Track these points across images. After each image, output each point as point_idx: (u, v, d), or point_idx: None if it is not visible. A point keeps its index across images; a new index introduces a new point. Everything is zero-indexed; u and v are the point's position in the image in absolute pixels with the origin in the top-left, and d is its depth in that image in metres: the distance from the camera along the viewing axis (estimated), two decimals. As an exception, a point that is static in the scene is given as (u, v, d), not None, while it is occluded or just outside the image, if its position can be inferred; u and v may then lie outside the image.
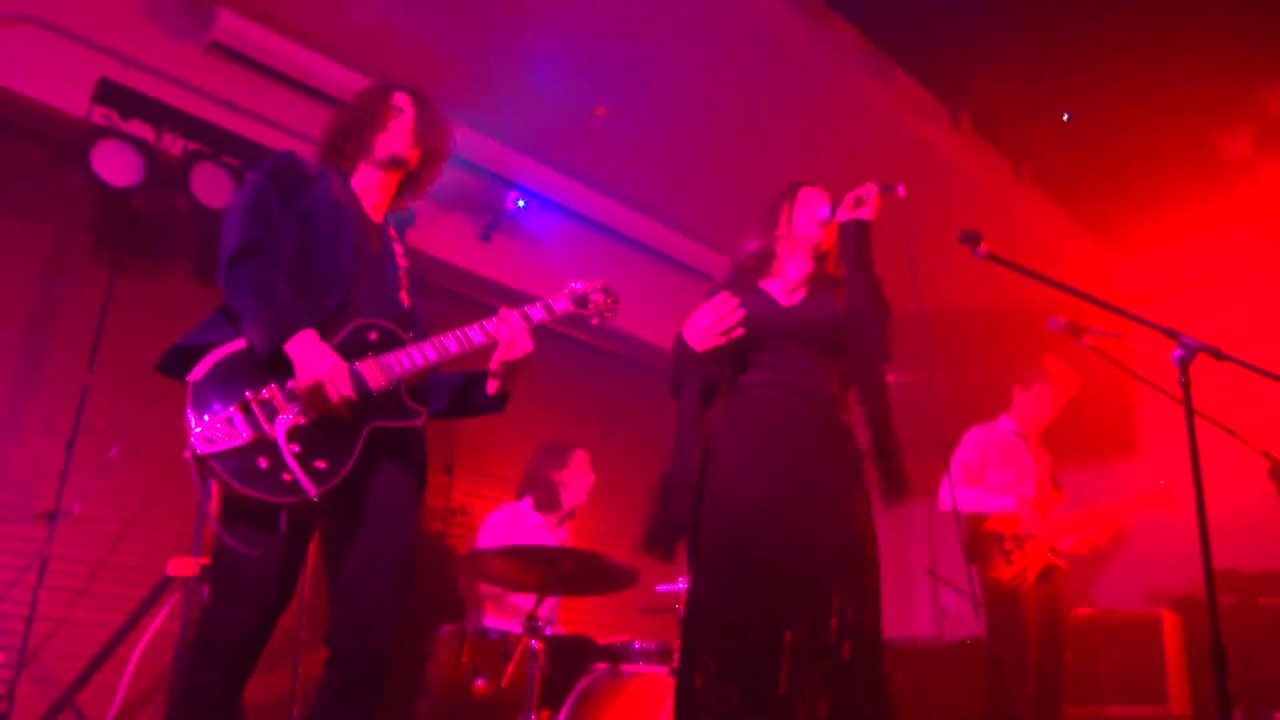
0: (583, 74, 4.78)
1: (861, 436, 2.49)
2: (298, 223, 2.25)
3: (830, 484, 2.40)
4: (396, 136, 2.47)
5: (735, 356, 2.56)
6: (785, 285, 2.68)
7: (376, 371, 2.20)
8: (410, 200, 2.59)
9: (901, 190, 2.51)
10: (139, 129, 4.02)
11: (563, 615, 4.63)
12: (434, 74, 4.72)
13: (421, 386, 2.41)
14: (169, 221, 4.31)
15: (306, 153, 2.51)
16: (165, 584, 3.59)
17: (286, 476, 2.01)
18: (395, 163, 2.48)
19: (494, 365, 2.40)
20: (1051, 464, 4.48)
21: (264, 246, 2.17)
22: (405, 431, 2.26)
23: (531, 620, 3.37)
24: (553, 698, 3.56)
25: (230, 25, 4.34)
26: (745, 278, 2.69)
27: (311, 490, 2.02)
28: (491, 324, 2.38)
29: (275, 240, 2.20)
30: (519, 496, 4.47)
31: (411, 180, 2.56)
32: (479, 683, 3.56)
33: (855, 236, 2.55)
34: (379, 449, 2.20)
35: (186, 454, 1.99)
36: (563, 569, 3.43)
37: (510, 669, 3.40)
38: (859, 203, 2.56)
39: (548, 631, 3.44)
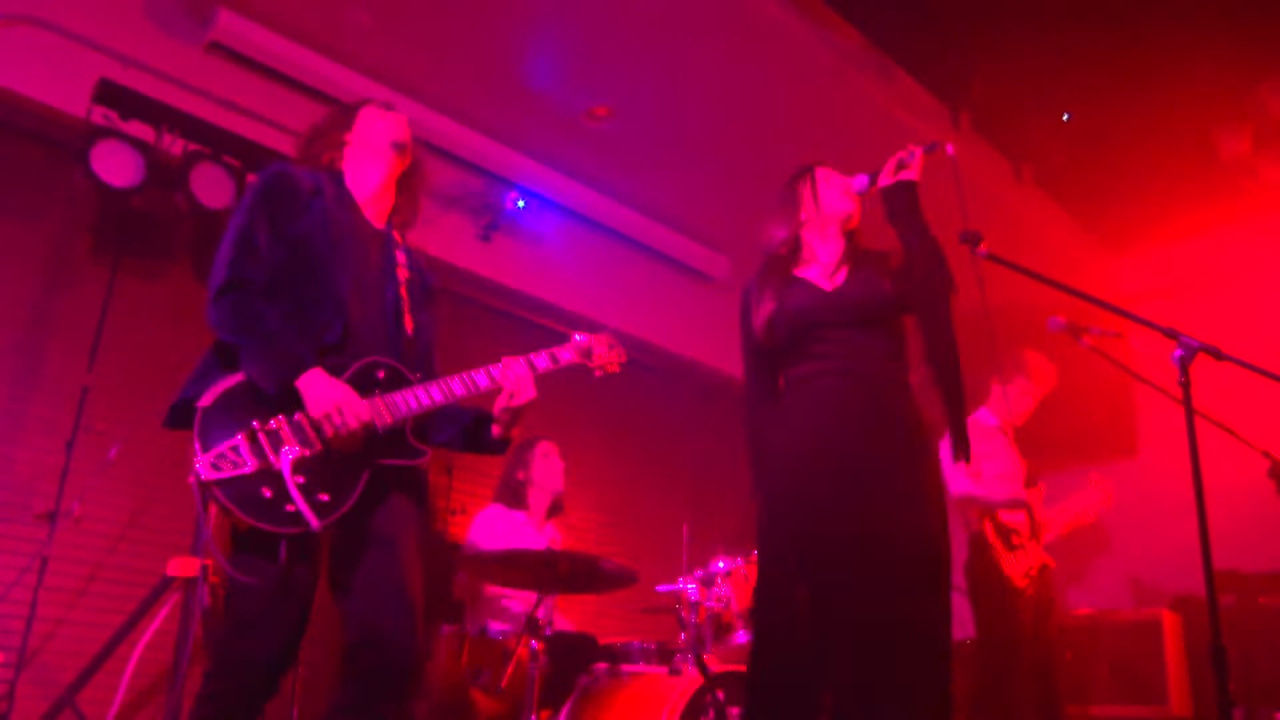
0: (583, 74, 4.78)
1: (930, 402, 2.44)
2: (292, 249, 2.25)
3: (898, 473, 2.34)
4: (396, 124, 2.50)
5: (786, 349, 2.50)
6: (823, 269, 2.58)
7: (383, 410, 2.22)
8: (407, 207, 2.58)
9: (951, 148, 2.47)
10: (139, 129, 4.01)
11: (562, 615, 4.63)
12: (434, 74, 4.73)
13: (429, 418, 2.41)
14: (169, 222, 4.31)
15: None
16: (165, 584, 3.59)
17: (290, 508, 2.03)
18: (398, 146, 2.48)
19: (497, 410, 2.43)
20: (1025, 461, 4.48)
21: (248, 281, 2.18)
22: (409, 469, 2.28)
23: (532, 620, 3.37)
24: (553, 698, 3.56)
25: (230, 25, 4.33)
26: (780, 268, 2.59)
27: (315, 522, 2.04)
28: (497, 370, 2.40)
29: (262, 273, 2.20)
30: (497, 500, 4.48)
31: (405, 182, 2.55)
32: (479, 682, 3.56)
33: (905, 198, 2.49)
34: (383, 484, 2.22)
35: (191, 479, 2.01)
36: (561, 570, 3.42)
37: (510, 669, 3.40)
38: (902, 166, 2.50)
39: (548, 631, 3.44)
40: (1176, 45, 4.50)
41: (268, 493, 2.03)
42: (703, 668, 3.38)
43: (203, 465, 2.00)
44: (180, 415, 2.11)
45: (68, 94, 4.00)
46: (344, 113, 2.55)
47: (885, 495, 2.30)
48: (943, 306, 2.42)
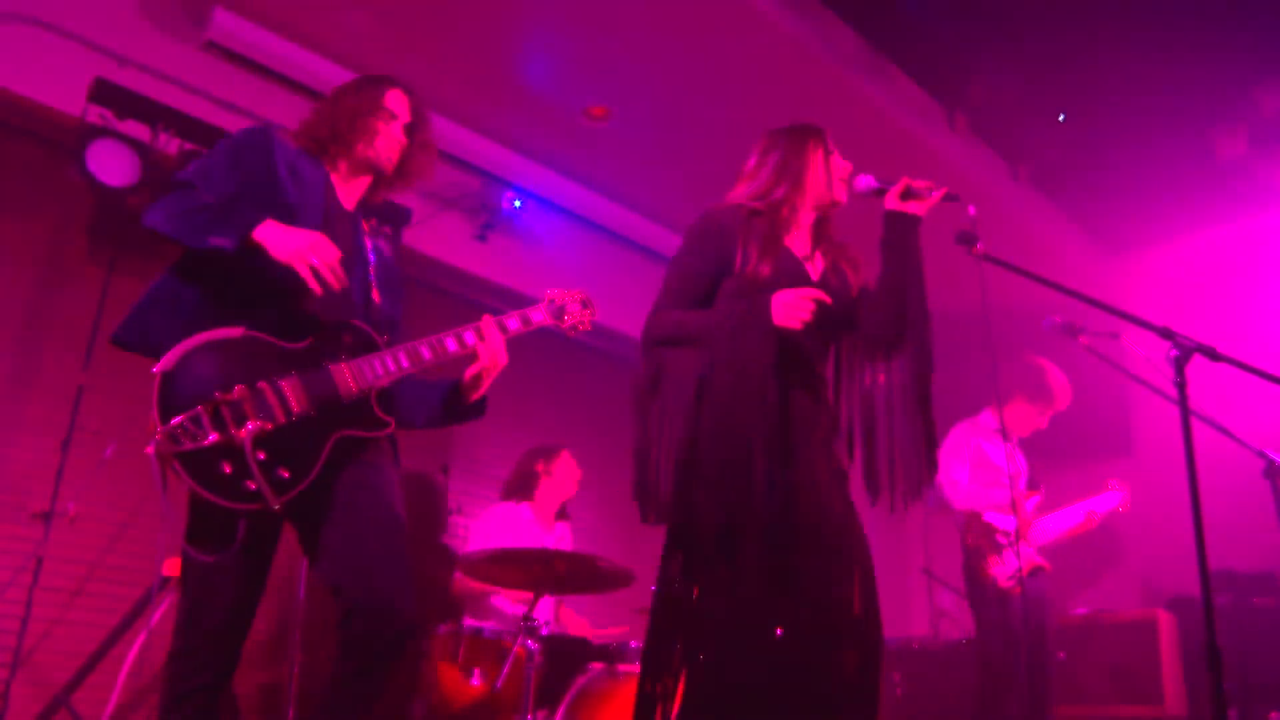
0: (580, 74, 4.78)
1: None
2: (270, 195, 2.19)
3: (841, 481, 2.31)
4: (383, 146, 2.39)
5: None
6: (802, 248, 2.44)
7: (348, 376, 2.15)
8: (385, 194, 2.50)
9: (972, 209, 2.38)
10: (134, 128, 4.01)
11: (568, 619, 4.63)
12: (430, 73, 4.73)
13: (404, 396, 2.36)
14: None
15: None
16: (161, 584, 3.58)
17: (251, 484, 1.98)
18: (376, 171, 2.42)
19: (467, 376, 2.37)
20: (1028, 464, 4.49)
21: (194, 186, 2.13)
22: (372, 439, 2.22)
23: (527, 620, 3.37)
24: (549, 697, 3.56)
25: (226, 24, 4.33)
26: (770, 226, 2.38)
27: (273, 502, 2.00)
28: (468, 333, 2.32)
29: (211, 195, 2.14)
30: (504, 497, 4.47)
31: (388, 182, 2.47)
32: (475, 682, 3.55)
33: (906, 233, 2.37)
34: (350, 452, 2.16)
35: (150, 449, 1.96)
36: (557, 570, 3.43)
37: (506, 669, 3.40)
38: (909, 194, 2.38)
39: (544, 631, 3.45)
40: (1172, 45, 4.51)
41: (228, 468, 1.98)
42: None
43: (162, 436, 1.94)
44: (132, 333, 2.07)
45: (63, 93, 3.99)
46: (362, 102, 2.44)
47: (837, 507, 2.25)
48: (915, 349, 2.36)
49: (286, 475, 2.03)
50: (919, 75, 5.01)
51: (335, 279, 2.08)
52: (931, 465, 2.34)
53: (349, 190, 2.43)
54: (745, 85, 4.75)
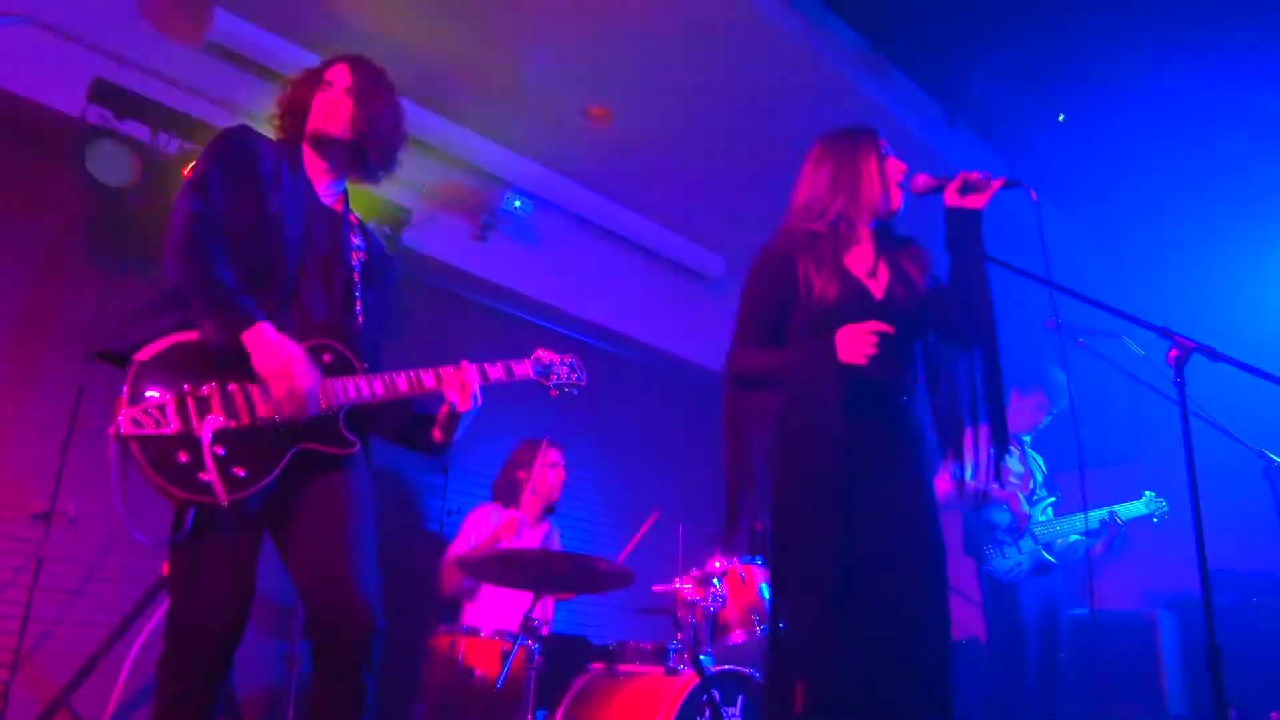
0: (580, 74, 4.78)
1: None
2: (247, 217, 2.21)
3: (923, 495, 2.29)
4: (319, 113, 2.37)
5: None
6: (864, 263, 2.39)
7: (319, 395, 2.17)
8: (366, 180, 2.47)
9: (1034, 194, 2.34)
10: (134, 128, 4.01)
11: (557, 615, 4.63)
12: (431, 74, 4.73)
13: (370, 407, 2.33)
14: (164, 221, 4.29)
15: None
16: (161, 584, 3.58)
17: (204, 476, 2.00)
18: (322, 142, 2.38)
19: (440, 414, 2.37)
20: (1044, 466, 4.50)
21: (206, 235, 2.15)
22: (337, 457, 2.22)
23: (528, 620, 3.37)
24: (549, 698, 3.56)
25: (226, 24, 4.32)
26: (831, 246, 2.34)
27: (222, 495, 2.01)
28: (447, 372, 2.33)
29: (219, 223, 2.18)
30: (493, 500, 4.51)
31: (358, 159, 2.42)
32: (475, 682, 3.55)
33: (969, 227, 2.35)
34: (317, 465, 2.18)
35: (110, 430, 1.99)
36: (557, 570, 3.43)
37: (506, 669, 3.40)
38: (967, 187, 2.35)
39: (544, 632, 3.44)
40: (1172, 45, 4.51)
41: (184, 458, 2.01)
42: (699, 667, 3.38)
43: (124, 418, 1.98)
44: (114, 340, 2.09)
45: (63, 93, 3.99)
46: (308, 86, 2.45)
47: (922, 523, 2.25)
48: (985, 341, 2.33)
49: (242, 474, 2.05)
50: (919, 75, 5.01)
51: (303, 410, 2.11)
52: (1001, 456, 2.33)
53: (327, 183, 2.42)
54: (745, 85, 4.74)
